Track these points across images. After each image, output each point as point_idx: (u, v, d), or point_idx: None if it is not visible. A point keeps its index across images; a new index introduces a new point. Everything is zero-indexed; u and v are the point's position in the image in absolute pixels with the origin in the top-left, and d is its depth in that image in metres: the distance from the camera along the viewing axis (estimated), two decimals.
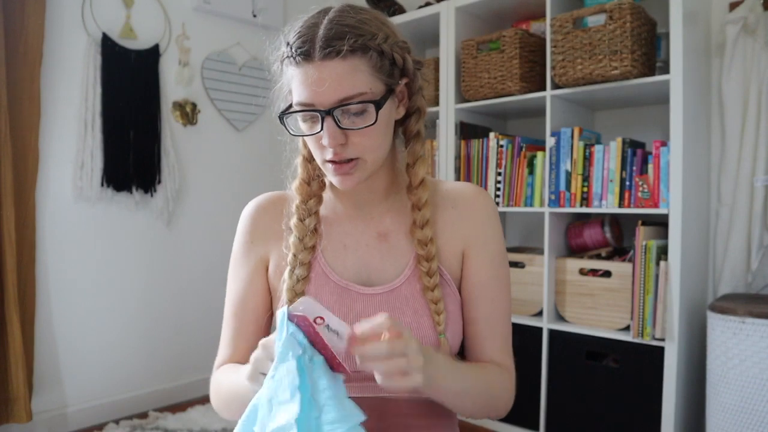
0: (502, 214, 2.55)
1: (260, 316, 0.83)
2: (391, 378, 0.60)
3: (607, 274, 2.01)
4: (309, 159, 0.81)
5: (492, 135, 2.33)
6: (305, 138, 0.76)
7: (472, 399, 0.75)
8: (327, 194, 0.84)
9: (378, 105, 0.69)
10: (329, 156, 0.71)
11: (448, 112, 2.41)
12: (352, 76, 0.68)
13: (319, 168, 0.78)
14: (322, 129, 0.69)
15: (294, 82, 0.71)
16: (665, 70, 1.95)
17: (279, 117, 0.73)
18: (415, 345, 0.61)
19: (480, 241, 0.80)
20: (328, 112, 0.68)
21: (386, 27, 0.73)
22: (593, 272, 2.05)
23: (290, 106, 0.73)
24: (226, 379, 0.79)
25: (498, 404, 0.81)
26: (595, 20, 1.97)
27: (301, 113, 0.71)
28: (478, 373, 0.77)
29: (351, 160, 0.71)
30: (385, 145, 0.75)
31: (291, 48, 0.69)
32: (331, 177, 0.74)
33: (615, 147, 2.01)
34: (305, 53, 0.68)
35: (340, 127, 0.69)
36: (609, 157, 2.03)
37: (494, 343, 0.82)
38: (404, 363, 0.60)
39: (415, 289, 0.77)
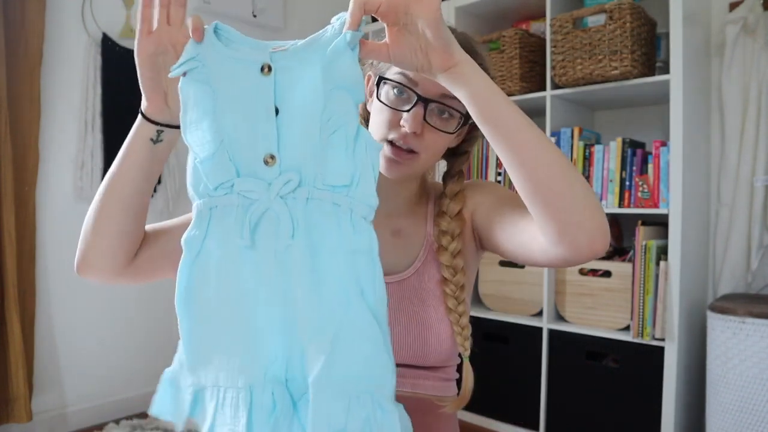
0: None
1: None
2: None
3: (607, 274, 2.01)
4: None
5: None
6: (375, 108, 0.77)
7: (534, 135, 0.58)
8: None
9: (463, 119, 0.74)
10: (395, 136, 0.73)
11: None
12: None
13: None
14: (409, 110, 0.72)
15: None
16: (665, 70, 1.95)
17: (379, 78, 0.75)
18: None
19: (478, 195, 0.82)
20: (426, 101, 0.72)
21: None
22: (593, 272, 2.05)
23: (380, 80, 0.75)
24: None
25: (580, 184, 0.58)
26: (595, 20, 1.97)
27: (398, 86, 0.73)
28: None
29: (410, 151, 0.74)
30: (438, 157, 0.80)
31: None
32: (382, 156, 0.75)
33: (615, 147, 2.01)
34: None
35: (425, 118, 0.72)
36: (609, 157, 2.03)
37: None
38: None
39: (423, 280, 0.79)
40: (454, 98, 0.69)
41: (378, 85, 0.75)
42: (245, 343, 0.54)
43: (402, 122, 0.72)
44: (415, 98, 0.72)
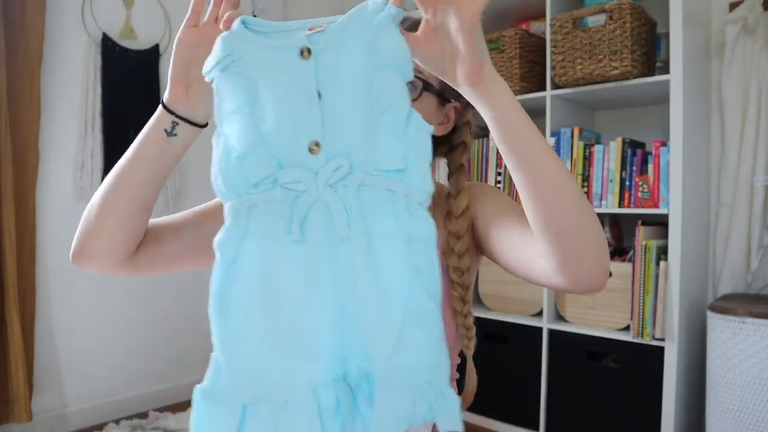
0: None
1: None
2: None
3: None
4: None
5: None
6: None
7: (555, 167, 0.55)
8: None
9: (426, 85, 0.72)
10: None
11: None
12: None
13: None
14: None
15: None
16: (665, 70, 1.95)
17: None
18: None
19: (482, 199, 0.78)
20: None
21: None
22: None
23: None
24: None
25: (592, 224, 0.57)
26: (595, 20, 1.97)
27: None
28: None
29: None
30: None
31: None
32: None
33: (615, 147, 2.01)
34: None
35: None
36: (609, 157, 2.03)
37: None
38: None
39: None
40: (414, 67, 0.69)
41: None
42: (300, 344, 0.50)
43: None
44: None
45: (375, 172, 0.51)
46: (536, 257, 0.61)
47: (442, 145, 0.82)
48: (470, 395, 0.77)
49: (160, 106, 0.63)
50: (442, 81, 0.74)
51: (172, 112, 0.62)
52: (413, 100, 0.70)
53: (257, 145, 0.52)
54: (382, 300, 0.50)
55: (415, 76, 0.70)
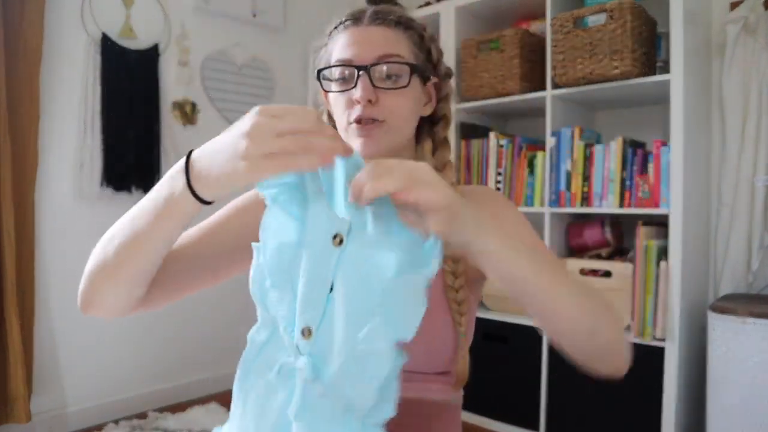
0: None
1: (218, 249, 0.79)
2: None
3: (607, 274, 2.01)
4: None
5: (492, 135, 2.33)
6: (332, 104, 0.78)
7: (558, 292, 0.58)
8: None
9: (413, 68, 0.74)
10: (355, 115, 0.73)
11: None
12: (394, 40, 0.75)
13: None
14: (355, 86, 0.72)
15: (337, 45, 0.76)
16: (665, 69, 1.95)
17: (317, 72, 0.77)
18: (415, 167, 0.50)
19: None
20: (366, 68, 0.72)
21: (430, 30, 0.81)
22: (593, 272, 2.05)
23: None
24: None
25: (608, 331, 0.62)
26: (595, 20, 1.97)
27: (338, 69, 0.74)
28: (559, 268, 0.61)
29: (375, 121, 0.73)
30: (410, 121, 0.78)
31: (342, 18, 0.77)
32: (353, 140, 0.74)
33: (615, 147, 2.01)
34: (355, 18, 0.76)
35: (374, 85, 0.72)
36: (609, 157, 2.02)
37: None
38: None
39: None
40: (395, 55, 0.73)
41: (320, 80, 0.77)
42: None
43: (355, 97, 0.72)
44: (356, 71, 0.72)
45: (340, 391, 0.51)
46: None
47: (425, 123, 0.83)
48: (464, 375, 0.76)
49: (193, 200, 0.56)
50: (420, 59, 0.77)
51: (208, 202, 0.57)
52: (403, 87, 0.73)
53: (276, 331, 0.55)
54: None
55: (400, 62, 0.73)
